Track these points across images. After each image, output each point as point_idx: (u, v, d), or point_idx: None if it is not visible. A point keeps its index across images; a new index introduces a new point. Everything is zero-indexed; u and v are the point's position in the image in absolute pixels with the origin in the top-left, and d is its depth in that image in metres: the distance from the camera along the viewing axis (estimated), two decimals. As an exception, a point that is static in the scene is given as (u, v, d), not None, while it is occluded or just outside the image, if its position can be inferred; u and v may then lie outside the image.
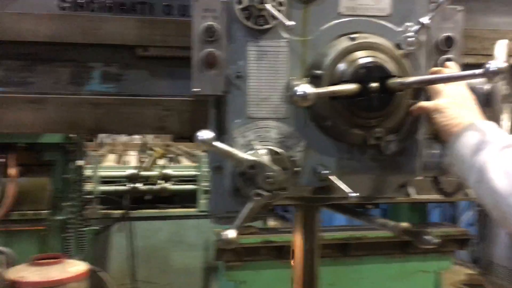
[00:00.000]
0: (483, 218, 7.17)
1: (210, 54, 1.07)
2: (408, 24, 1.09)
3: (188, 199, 5.98)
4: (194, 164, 6.35)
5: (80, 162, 4.35)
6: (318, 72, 1.04)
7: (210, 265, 5.90)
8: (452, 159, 1.04)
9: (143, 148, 7.07)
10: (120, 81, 1.35)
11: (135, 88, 1.35)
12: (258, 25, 1.06)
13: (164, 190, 5.63)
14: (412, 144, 1.11)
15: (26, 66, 1.30)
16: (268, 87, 1.07)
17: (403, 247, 4.63)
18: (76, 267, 3.09)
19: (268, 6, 1.02)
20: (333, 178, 1.07)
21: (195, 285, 5.81)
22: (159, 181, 5.56)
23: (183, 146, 7.20)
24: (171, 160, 5.69)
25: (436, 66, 1.12)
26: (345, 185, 1.06)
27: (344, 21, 1.08)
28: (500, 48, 1.08)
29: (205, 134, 0.98)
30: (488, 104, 1.13)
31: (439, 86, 1.05)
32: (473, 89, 1.16)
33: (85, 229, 4.24)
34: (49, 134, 3.86)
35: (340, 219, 6.77)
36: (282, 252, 4.35)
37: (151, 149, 4.74)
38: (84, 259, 3.63)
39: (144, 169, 4.74)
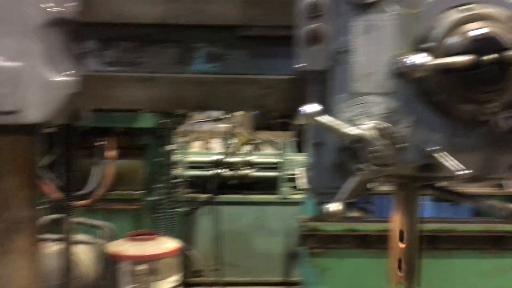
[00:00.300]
0: None
1: (314, 30, 1.08)
2: (526, -7, 1.03)
3: (269, 186, 6.08)
4: (276, 152, 6.43)
5: (170, 147, 4.56)
6: (426, 45, 1.01)
7: (291, 252, 5.97)
8: None
9: (227, 136, 7.26)
10: (223, 61, 1.40)
11: (237, 67, 1.39)
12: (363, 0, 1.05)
13: (247, 176, 5.77)
14: (528, 121, 1.05)
15: (138, 47, 1.39)
16: (373, 62, 1.07)
17: (497, 241, 4.39)
18: (169, 244, 3.26)
19: (376, -21, 1.01)
20: (439, 155, 1.04)
21: (277, 270, 5.92)
22: (242, 168, 5.70)
23: (265, 134, 7.30)
24: (254, 147, 5.79)
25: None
26: (454, 162, 1.03)
27: (455, -8, 1.04)
28: None
29: (309, 107, 1.00)
30: None
31: None
32: None
33: (174, 210, 4.46)
34: (143, 120, 4.07)
35: (428, 210, 6.53)
36: (366, 241, 4.29)
37: (235, 136, 4.85)
38: (173, 238, 3.82)
39: (230, 154, 4.87)
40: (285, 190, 5.93)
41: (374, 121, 1.05)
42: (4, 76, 1.19)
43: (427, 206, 6.72)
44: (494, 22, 0.98)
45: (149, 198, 4.21)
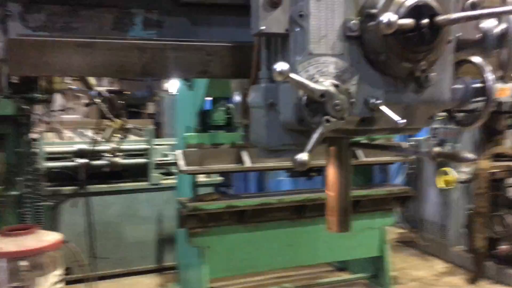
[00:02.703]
0: (414, 179, 7.78)
1: (275, -5, 1.15)
2: (442, -30, 1.24)
3: (139, 173, 5.94)
4: (143, 138, 6.29)
5: (32, 135, 4.20)
6: (373, 10, 1.16)
7: (164, 237, 5.93)
8: None
9: (79, 126, 6.85)
10: (161, 28, 1.38)
11: (176, 34, 1.40)
12: (319, -32, 1.16)
13: (115, 164, 5.55)
14: (446, 78, 1.28)
15: (69, 11, 1.30)
16: (327, 25, 1.18)
17: (353, 206, 4.95)
18: (51, 236, 3.04)
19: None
20: (383, 108, 1.21)
21: (149, 257, 5.83)
22: (109, 156, 5.46)
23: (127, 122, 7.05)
24: (122, 134, 5.56)
25: (463, 8, 1.28)
26: (394, 114, 1.20)
27: (390, -34, 1.21)
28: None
29: (282, 65, 1.08)
30: (501, 45, 1.32)
31: None
32: (486, 32, 1.34)
33: (39, 204, 4.12)
34: (1, 107, 3.69)
35: (286, 184, 7.07)
36: (245, 216, 4.50)
37: (106, 124, 4.62)
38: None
39: (103, 141, 4.64)
40: (155, 176, 5.86)
41: (329, 80, 1.17)
42: None
43: (285, 181, 7.27)
44: (425, -8, 1.17)
45: (11, 193, 3.83)
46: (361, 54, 1.21)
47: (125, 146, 5.71)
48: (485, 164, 5.36)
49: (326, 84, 1.15)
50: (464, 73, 1.41)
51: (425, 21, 1.14)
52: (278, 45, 1.25)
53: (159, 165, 6.01)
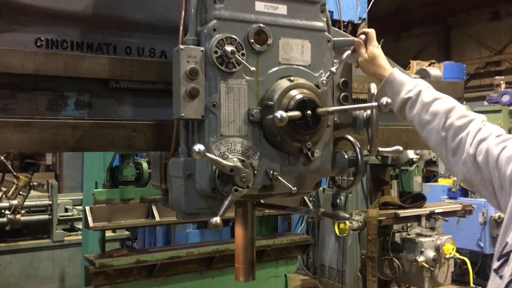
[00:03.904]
0: (313, 228, 8.28)
1: (193, 88, 1.43)
2: (321, 71, 1.61)
3: (41, 229, 5.74)
4: (45, 194, 6.13)
5: None
6: (271, 102, 1.49)
7: (67, 297, 5.72)
8: None
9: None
10: (91, 108, 1.60)
11: (104, 113, 1.61)
12: (227, 69, 1.47)
13: (15, 222, 5.33)
14: (327, 153, 1.63)
15: (8, 95, 1.47)
16: (234, 113, 1.48)
17: (259, 256, 5.23)
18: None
19: (238, 56, 1.45)
20: (279, 177, 1.51)
21: (51, 320, 5.56)
22: (9, 213, 5.26)
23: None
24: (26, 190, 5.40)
25: (338, 101, 1.66)
26: (287, 183, 1.52)
27: (283, 67, 1.56)
28: (373, 87, 1.66)
29: (199, 147, 1.34)
30: (368, 126, 1.71)
31: None
32: (356, 116, 1.73)
33: None
34: None
35: (194, 236, 7.19)
36: (154, 271, 4.56)
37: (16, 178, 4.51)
38: None
39: (8, 198, 4.51)
40: (58, 232, 5.71)
41: (237, 156, 1.46)
42: None
43: (193, 233, 7.40)
44: (309, 89, 1.52)
45: None
46: (262, 135, 1.52)
47: (26, 203, 5.54)
48: (374, 212, 5.95)
49: (234, 160, 1.43)
50: (343, 146, 1.78)
51: (309, 112, 1.48)
52: (195, 127, 1.53)
53: (62, 221, 5.88)
